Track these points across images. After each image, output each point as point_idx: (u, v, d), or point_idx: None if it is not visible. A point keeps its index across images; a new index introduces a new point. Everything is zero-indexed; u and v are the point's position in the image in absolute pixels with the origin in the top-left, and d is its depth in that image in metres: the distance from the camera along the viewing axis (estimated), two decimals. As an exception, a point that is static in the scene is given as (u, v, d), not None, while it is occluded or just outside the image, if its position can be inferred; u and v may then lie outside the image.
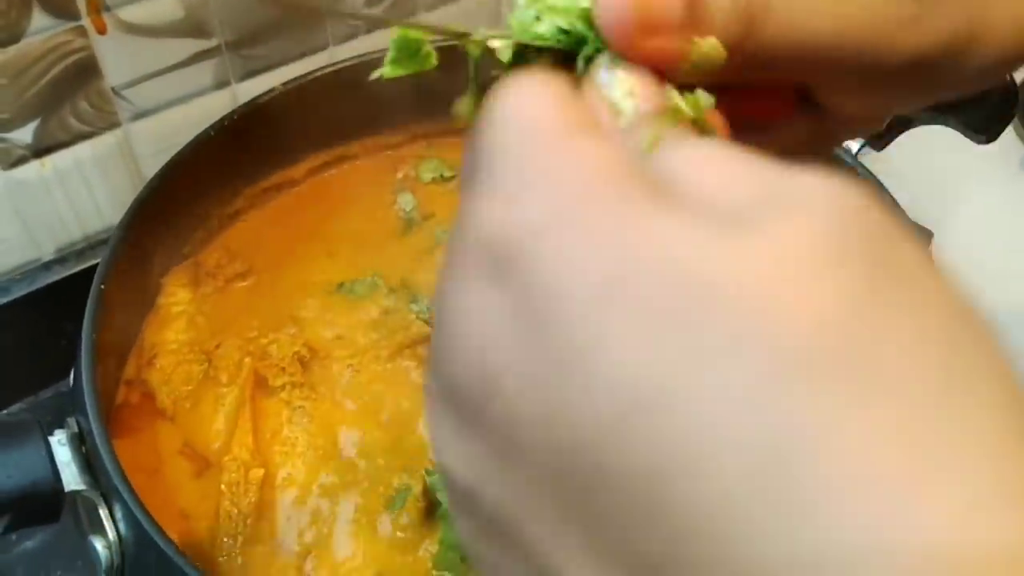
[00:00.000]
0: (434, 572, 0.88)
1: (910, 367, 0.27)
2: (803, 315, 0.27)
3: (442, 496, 0.90)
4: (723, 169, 0.32)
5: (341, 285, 1.12)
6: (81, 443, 0.76)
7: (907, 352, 0.27)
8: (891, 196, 1.01)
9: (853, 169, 1.04)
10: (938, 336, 0.28)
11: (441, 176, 1.26)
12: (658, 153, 0.33)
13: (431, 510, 0.90)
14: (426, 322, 1.06)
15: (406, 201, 1.22)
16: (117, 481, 0.71)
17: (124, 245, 0.92)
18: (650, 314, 0.28)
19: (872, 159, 1.08)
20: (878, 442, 0.25)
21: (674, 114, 0.34)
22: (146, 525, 0.68)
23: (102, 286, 0.84)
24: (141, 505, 0.68)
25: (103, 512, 0.73)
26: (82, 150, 1.21)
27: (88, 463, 0.76)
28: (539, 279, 0.29)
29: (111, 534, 0.73)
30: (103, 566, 0.74)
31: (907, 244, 0.30)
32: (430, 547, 0.90)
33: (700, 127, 0.35)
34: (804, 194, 0.30)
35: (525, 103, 0.34)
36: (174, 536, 0.91)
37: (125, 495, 0.70)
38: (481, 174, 0.34)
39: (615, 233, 0.29)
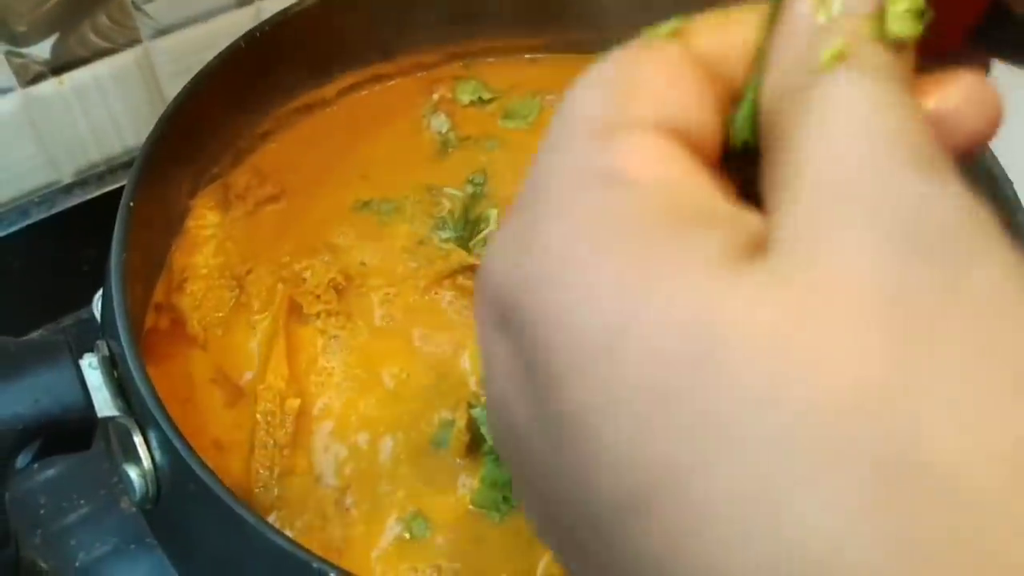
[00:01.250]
0: (472, 508, 0.85)
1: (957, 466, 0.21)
2: (834, 385, 0.22)
3: (486, 431, 0.86)
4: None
5: (368, 203, 1.06)
6: (113, 367, 0.72)
7: (953, 447, 0.21)
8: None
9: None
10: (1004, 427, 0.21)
11: (480, 99, 1.20)
12: (831, 74, 0.27)
13: (474, 446, 0.87)
14: (466, 250, 1.01)
15: (440, 123, 1.16)
16: (152, 407, 0.67)
17: (152, 161, 0.87)
18: (651, 383, 0.24)
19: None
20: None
21: (879, 24, 0.28)
22: (184, 453, 0.64)
23: (131, 204, 0.78)
24: (179, 432, 0.64)
25: (137, 439, 0.69)
26: (101, 67, 1.15)
27: (121, 388, 0.72)
28: (535, 333, 0.27)
29: (146, 462, 0.69)
30: (137, 495, 0.70)
31: (983, 265, 0.24)
32: (470, 483, 0.86)
33: (898, 45, 0.29)
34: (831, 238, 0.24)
35: (581, 96, 0.32)
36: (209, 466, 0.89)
37: (161, 422, 0.66)
38: (522, 190, 0.31)
39: (619, 285, 0.25)
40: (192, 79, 0.97)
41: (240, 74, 1.03)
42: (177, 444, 0.67)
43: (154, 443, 0.70)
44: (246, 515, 0.64)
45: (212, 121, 1.04)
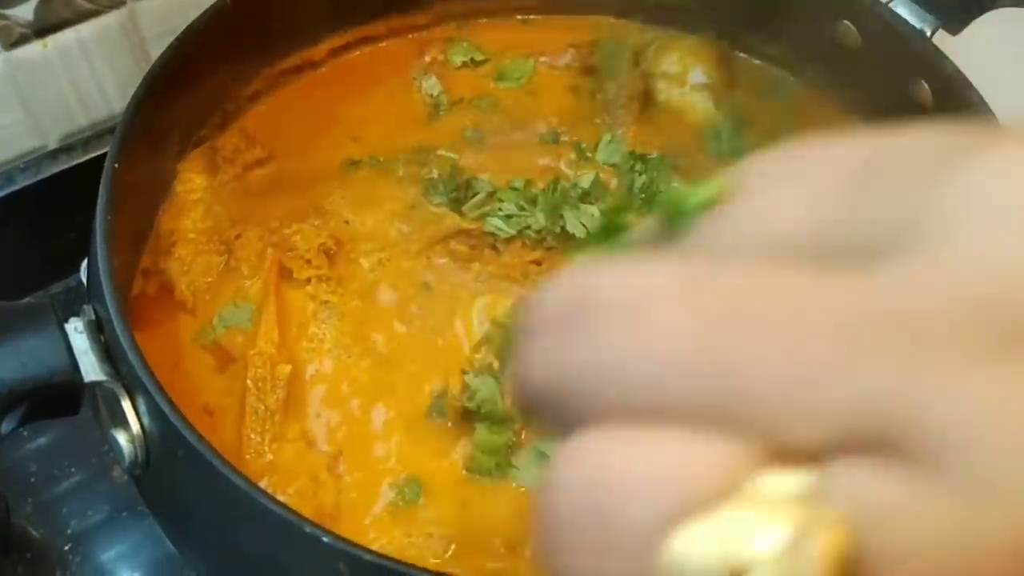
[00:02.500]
0: (466, 474, 0.84)
1: None
2: None
3: (479, 398, 0.85)
4: None
5: (357, 164, 1.04)
6: (99, 332, 0.70)
7: None
8: (971, 86, 0.93)
9: (927, 55, 0.96)
10: None
11: (472, 60, 1.18)
12: None
13: (468, 412, 0.86)
14: (458, 214, 0.99)
15: (431, 85, 1.14)
16: (140, 372, 0.66)
17: (137, 122, 0.85)
18: None
19: (948, 48, 0.99)
20: None
21: None
22: (172, 418, 0.63)
23: (116, 165, 0.77)
24: (167, 397, 0.63)
25: (125, 404, 0.68)
26: (86, 30, 1.13)
27: (108, 353, 0.70)
28: None
29: (135, 428, 0.68)
30: (126, 461, 0.69)
31: None
32: (464, 449, 0.86)
33: None
34: None
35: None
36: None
37: (149, 386, 0.65)
38: None
39: None
40: (178, 37, 0.95)
41: (227, 33, 1.00)
42: (166, 409, 0.66)
43: (142, 408, 0.69)
44: (237, 480, 0.63)
45: (198, 82, 1.01)
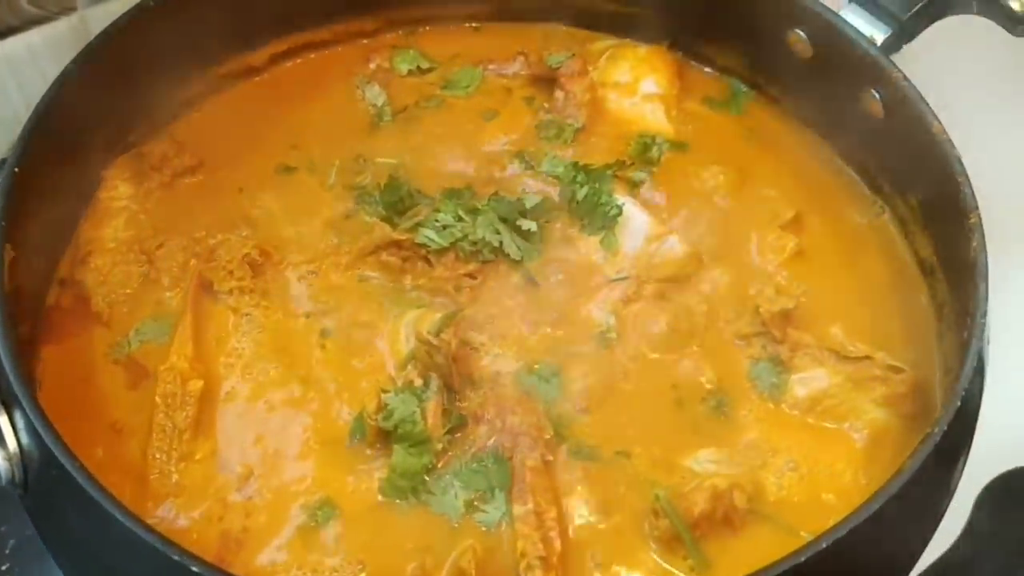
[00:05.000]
0: (381, 498, 0.80)
1: None
2: None
3: (397, 419, 0.81)
4: None
5: (292, 170, 0.98)
6: (-22, 344, 0.66)
7: None
8: (921, 97, 0.89)
9: (877, 64, 0.92)
10: None
11: (418, 68, 1.14)
12: None
13: (387, 433, 0.81)
14: (391, 225, 0.95)
15: (375, 94, 1.10)
16: (19, 389, 0.62)
17: (45, 125, 0.82)
18: None
19: (899, 59, 0.96)
20: None
21: None
22: (46, 437, 0.59)
23: (16, 168, 0.73)
24: (43, 416, 0.60)
25: (3, 421, 0.64)
26: (35, 37, 1.09)
27: (-13, 367, 0.66)
28: None
29: (11, 446, 0.64)
30: (3, 479, 0.65)
31: None
32: (381, 472, 0.81)
33: None
34: None
35: None
36: (100, 450, 0.82)
37: (26, 404, 0.61)
38: None
39: None
40: (96, 37, 0.91)
41: (154, 36, 0.97)
42: (41, 428, 0.62)
43: (20, 425, 0.65)
44: (112, 508, 0.59)
45: (122, 85, 0.97)
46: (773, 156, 1.05)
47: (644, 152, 1.03)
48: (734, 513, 0.78)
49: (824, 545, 0.64)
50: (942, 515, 0.79)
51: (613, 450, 0.83)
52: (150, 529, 0.59)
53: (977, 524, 0.98)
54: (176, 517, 0.79)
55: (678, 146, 1.04)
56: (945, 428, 0.67)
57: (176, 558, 0.55)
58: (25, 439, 0.65)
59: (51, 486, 0.64)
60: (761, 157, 1.05)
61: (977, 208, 0.78)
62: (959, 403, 0.69)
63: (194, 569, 0.54)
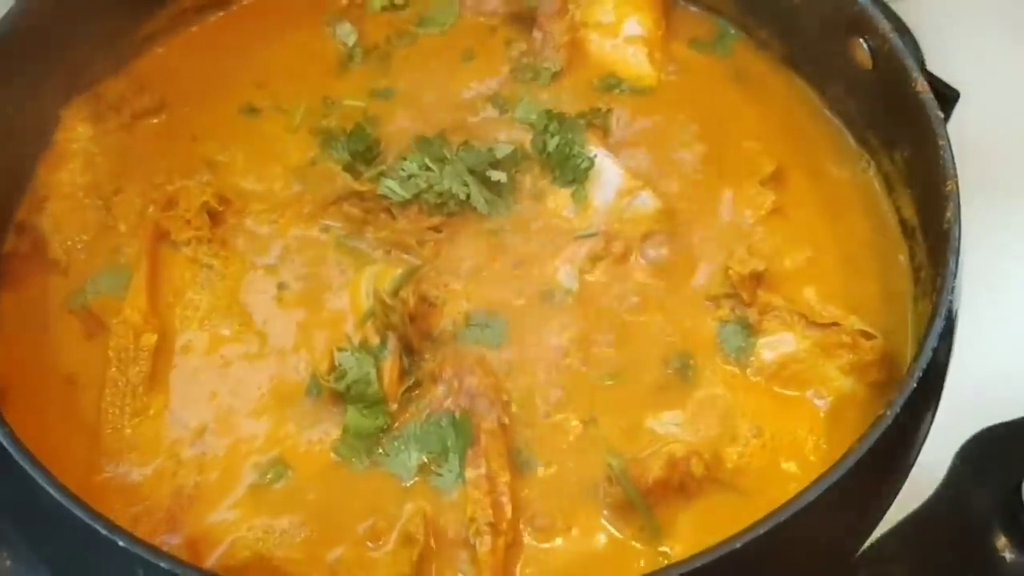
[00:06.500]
0: (334, 456, 0.79)
1: None
2: None
3: (349, 378, 0.80)
4: None
5: (256, 111, 0.95)
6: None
7: None
8: (919, 50, 0.84)
9: (869, 12, 0.87)
10: None
11: (392, 3, 1.09)
12: None
13: (339, 393, 0.80)
14: (353, 174, 0.92)
15: (345, 32, 1.06)
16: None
17: (0, 62, 0.77)
18: None
19: (900, 8, 0.90)
20: None
21: None
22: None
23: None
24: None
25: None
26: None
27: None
28: None
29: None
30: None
31: None
32: (336, 430, 0.80)
33: None
34: None
35: None
36: (54, 403, 0.82)
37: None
38: None
39: None
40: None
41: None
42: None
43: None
44: (32, 469, 0.58)
45: (83, 20, 0.94)
46: (757, 102, 1.01)
47: (605, 93, 0.99)
48: (691, 480, 0.77)
49: (782, 519, 0.62)
50: (900, 486, 0.77)
51: (574, 412, 0.82)
52: (74, 497, 0.58)
53: (952, 480, 0.97)
54: (128, 472, 0.79)
55: (640, 91, 1.00)
56: (897, 411, 0.65)
57: (104, 533, 0.54)
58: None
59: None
60: (745, 103, 1.01)
61: (955, 176, 0.74)
62: (909, 395, 0.66)
63: (116, 541, 0.53)
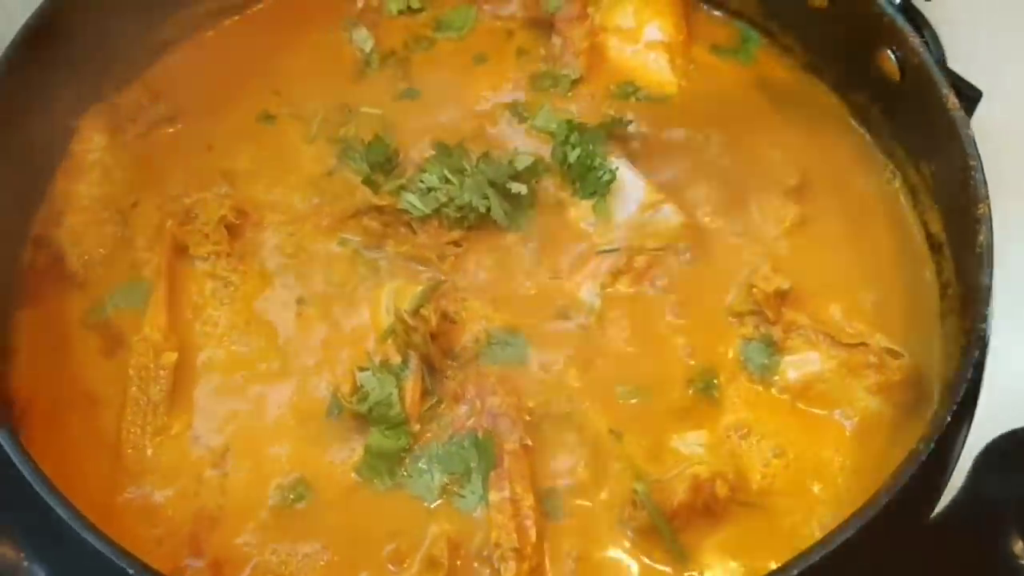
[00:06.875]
0: (355, 476, 0.79)
1: None
2: None
3: (373, 399, 0.79)
4: None
5: (273, 118, 0.93)
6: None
7: None
8: (940, 47, 0.83)
9: (897, 23, 0.85)
10: None
11: (409, 7, 1.07)
12: None
13: (361, 414, 0.79)
14: (372, 186, 0.91)
15: (362, 38, 1.04)
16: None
17: (17, 72, 0.77)
18: None
19: (921, 4, 0.88)
20: None
21: None
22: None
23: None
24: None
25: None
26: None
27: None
28: None
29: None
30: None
31: None
32: (359, 450, 0.80)
33: None
34: None
35: None
36: (75, 421, 0.82)
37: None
38: None
39: None
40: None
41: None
42: None
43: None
44: (40, 488, 0.58)
45: (98, 28, 0.92)
46: (781, 111, 0.99)
47: (625, 101, 0.98)
48: (715, 502, 0.77)
49: (814, 560, 0.61)
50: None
51: (599, 429, 0.81)
52: (84, 520, 0.57)
53: (971, 485, 0.96)
54: (151, 493, 0.78)
55: (661, 99, 0.98)
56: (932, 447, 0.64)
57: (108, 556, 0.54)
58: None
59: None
60: (769, 112, 0.99)
61: (987, 198, 0.73)
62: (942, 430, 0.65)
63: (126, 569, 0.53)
